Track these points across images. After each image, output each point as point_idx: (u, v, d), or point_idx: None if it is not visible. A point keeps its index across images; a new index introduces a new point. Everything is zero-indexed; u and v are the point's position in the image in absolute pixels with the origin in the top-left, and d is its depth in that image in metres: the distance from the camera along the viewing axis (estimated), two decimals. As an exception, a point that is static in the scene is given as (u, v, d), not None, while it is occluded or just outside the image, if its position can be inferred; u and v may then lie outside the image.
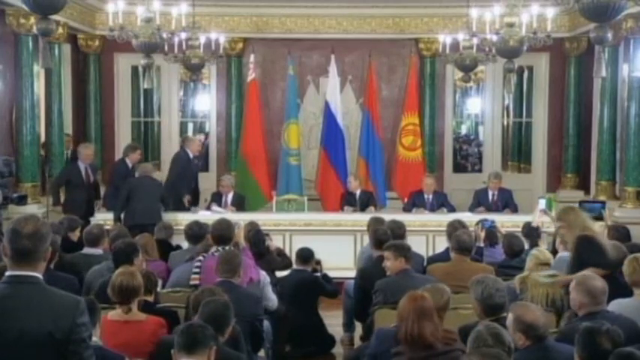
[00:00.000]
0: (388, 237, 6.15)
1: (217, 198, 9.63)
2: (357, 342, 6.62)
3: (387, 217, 7.44)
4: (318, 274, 6.93)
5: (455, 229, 6.51)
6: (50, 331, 2.75)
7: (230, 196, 9.60)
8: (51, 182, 9.48)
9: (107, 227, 7.46)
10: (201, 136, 12.07)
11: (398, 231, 6.55)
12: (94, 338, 3.84)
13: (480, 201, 9.68)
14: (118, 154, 10.64)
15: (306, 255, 6.79)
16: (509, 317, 3.91)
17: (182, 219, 8.29)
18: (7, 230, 2.90)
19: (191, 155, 9.73)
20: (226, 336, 4.11)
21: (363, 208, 9.51)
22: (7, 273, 2.86)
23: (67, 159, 10.24)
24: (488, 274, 4.86)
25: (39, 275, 2.87)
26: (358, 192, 9.76)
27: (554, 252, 6.11)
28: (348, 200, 9.76)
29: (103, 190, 9.89)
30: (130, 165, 9.58)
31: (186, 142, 9.97)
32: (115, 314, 4.44)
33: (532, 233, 6.98)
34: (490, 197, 9.66)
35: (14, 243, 2.83)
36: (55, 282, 5.13)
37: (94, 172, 9.60)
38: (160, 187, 9.09)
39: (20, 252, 2.82)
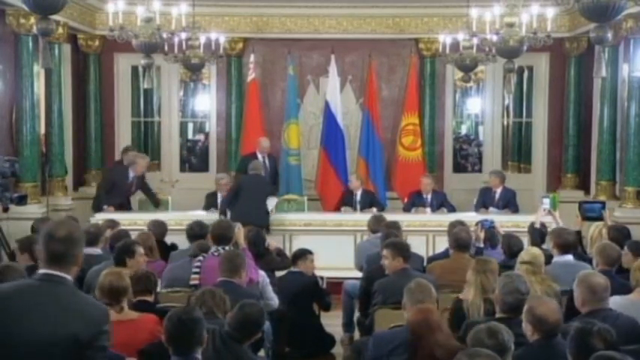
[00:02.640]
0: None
1: (213, 198, 9.61)
2: (357, 342, 6.62)
3: (387, 217, 7.45)
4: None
5: (454, 227, 6.56)
6: (76, 333, 2.78)
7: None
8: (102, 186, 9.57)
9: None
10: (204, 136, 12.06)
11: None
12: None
13: (484, 199, 9.68)
14: (118, 154, 10.64)
15: (295, 255, 6.83)
16: (524, 308, 3.87)
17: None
18: (41, 234, 2.96)
19: (260, 157, 9.73)
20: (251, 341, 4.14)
21: (364, 208, 9.50)
22: (40, 271, 2.92)
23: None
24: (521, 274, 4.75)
25: (69, 277, 2.91)
26: (359, 192, 9.75)
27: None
28: (346, 199, 9.76)
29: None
30: (127, 167, 9.62)
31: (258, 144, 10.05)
32: (109, 315, 4.43)
33: (534, 232, 6.96)
34: (493, 196, 9.65)
35: (47, 246, 2.88)
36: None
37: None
38: (268, 185, 9.16)
39: (53, 255, 2.87)
